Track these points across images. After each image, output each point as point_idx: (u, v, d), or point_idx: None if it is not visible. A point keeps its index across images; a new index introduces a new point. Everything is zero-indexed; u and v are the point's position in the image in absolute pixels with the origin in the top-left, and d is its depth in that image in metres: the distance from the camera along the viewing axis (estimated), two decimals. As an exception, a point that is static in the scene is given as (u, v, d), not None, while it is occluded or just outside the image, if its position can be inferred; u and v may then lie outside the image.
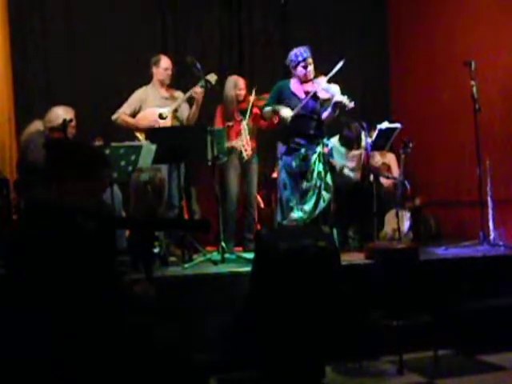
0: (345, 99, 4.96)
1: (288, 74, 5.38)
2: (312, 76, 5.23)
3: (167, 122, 5.50)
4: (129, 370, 2.24)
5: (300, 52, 5.17)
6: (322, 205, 5.16)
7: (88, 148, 2.65)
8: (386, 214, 5.91)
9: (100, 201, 2.84)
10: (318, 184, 5.16)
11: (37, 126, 5.11)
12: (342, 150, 6.03)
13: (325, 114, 5.18)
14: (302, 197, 5.16)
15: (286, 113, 5.10)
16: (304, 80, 5.23)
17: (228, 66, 6.96)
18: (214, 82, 5.49)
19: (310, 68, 5.19)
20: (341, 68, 5.09)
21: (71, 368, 2.16)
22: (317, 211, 5.15)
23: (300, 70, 5.19)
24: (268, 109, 5.30)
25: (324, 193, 5.17)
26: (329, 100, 5.10)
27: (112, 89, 6.30)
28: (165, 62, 5.68)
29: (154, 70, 5.68)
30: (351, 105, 4.96)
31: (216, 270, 4.60)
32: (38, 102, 6.20)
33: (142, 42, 6.60)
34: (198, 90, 5.49)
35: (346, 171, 6.02)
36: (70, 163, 2.38)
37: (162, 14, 6.95)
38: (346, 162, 6.04)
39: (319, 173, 5.17)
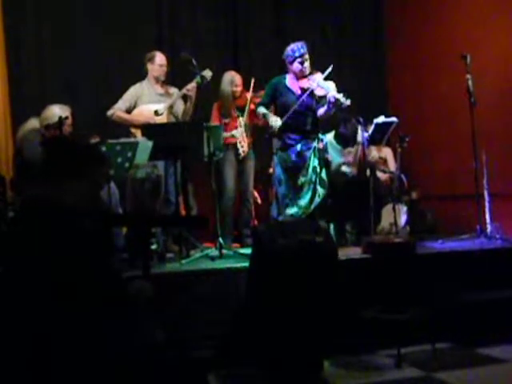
0: (341, 97, 4.94)
1: (285, 70, 5.37)
2: (308, 72, 5.22)
3: (163, 119, 5.50)
4: (127, 366, 2.24)
5: (297, 47, 5.15)
6: (317, 200, 5.16)
7: (85, 145, 2.64)
8: (382, 208, 5.92)
9: (97, 198, 2.83)
10: (314, 179, 5.16)
11: (33, 123, 5.11)
12: (338, 146, 6.03)
13: (320, 111, 5.17)
14: (298, 192, 5.17)
15: (275, 122, 5.10)
16: (300, 76, 5.22)
17: (224, 62, 6.94)
18: (209, 78, 5.48)
19: (307, 64, 5.18)
20: (331, 72, 5.11)
21: (69, 366, 2.16)
22: (312, 206, 5.15)
23: (296, 65, 5.18)
24: (260, 112, 5.31)
25: (319, 188, 5.17)
26: (324, 97, 5.09)
27: (107, 86, 6.30)
28: (160, 59, 5.67)
29: (149, 66, 5.67)
30: (347, 103, 4.93)
31: (213, 266, 4.60)
32: (33, 101, 6.18)
33: (136, 39, 6.58)
34: (190, 87, 5.49)
35: (344, 168, 6.02)
36: (67, 161, 2.37)
37: (157, 10, 6.94)
38: (342, 159, 6.03)
39: (314, 168, 5.17)
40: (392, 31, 7.67)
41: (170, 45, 6.78)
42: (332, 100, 4.97)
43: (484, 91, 5.61)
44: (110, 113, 5.53)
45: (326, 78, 5.15)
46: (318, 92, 5.15)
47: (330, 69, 5.10)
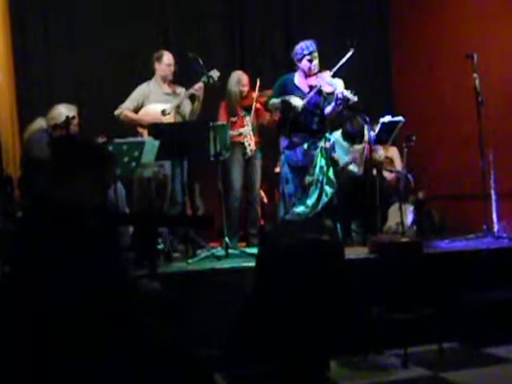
0: (348, 93, 4.96)
1: (291, 69, 5.37)
2: (316, 70, 5.22)
3: (170, 119, 5.50)
4: (134, 366, 2.25)
5: (306, 45, 5.16)
6: (324, 199, 5.17)
7: (93, 145, 2.65)
8: (389, 207, 5.91)
9: (104, 198, 2.84)
10: (321, 179, 5.17)
11: (40, 123, 5.12)
12: (345, 144, 6.03)
13: (328, 109, 5.17)
14: (305, 191, 5.17)
15: (297, 101, 5.10)
16: (308, 74, 5.23)
17: (230, 61, 6.95)
18: (216, 79, 5.47)
19: (315, 62, 5.19)
20: (346, 60, 5.10)
21: (74, 367, 2.16)
22: (319, 206, 5.15)
23: (305, 63, 5.19)
24: (276, 100, 5.27)
25: (326, 187, 5.18)
26: (332, 94, 5.10)
27: (114, 86, 6.31)
28: (167, 58, 5.67)
29: (157, 65, 5.67)
30: (355, 99, 4.95)
31: (220, 266, 4.60)
32: (40, 100, 6.20)
33: (143, 39, 6.58)
34: (198, 87, 5.49)
35: (351, 167, 6.01)
36: (74, 160, 2.38)
37: (164, 10, 6.94)
38: (350, 159, 6.01)
39: (321, 167, 5.18)
40: (398, 30, 7.65)
41: (177, 45, 6.77)
42: (340, 96, 4.98)
43: (490, 90, 5.59)
44: (117, 112, 5.54)
45: (334, 75, 5.14)
46: (326, 89, 5.16)
47: (350, 53, 5.09)
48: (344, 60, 5.12)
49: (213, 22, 7.10)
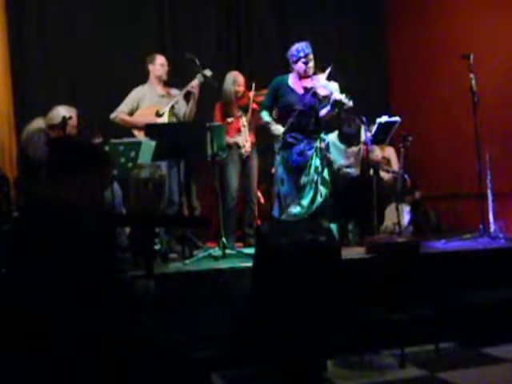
0: (344, 98, 4.95)
1: (287, 69, 5.37)
2: (311, 72, 5.22)
3: (164, 119, 5.50)
4: (130, 367, 2.25)
5: (302, 47, 5.16)
6: (319, 200, 5.17)
7: (90, 146, 2.65)
8: (386, 207, 5.92)
9: (101, 198, 2.84)
10: (315, 179, 5.16)
11: (38, 123, 5.12)
12: (341, 146, 6.03)
13: (323, 112, 5.17)
14: (300, 192, 5.17)
15: (277, 130, 5.14)
16: (303, 76, 5.23)
17: (226, 62, 6.95)
18: (209, 78, 5.50)
19: (311, 64, 5.19)
20: (330, 72, 5.12)
21: (70, 367, 2.16)
22: (314, 206, 5.15)
23: (300, 65, 5.19)
24: (263, 117, 5.33)
25: (321, 188, 5.18)
26: (327, 97, 5.10)
27: (110, 87, 6.31)
28: (160, 59, 5.72)
29: (151, 67, 5.70)
30: (350, 103, 4.94)
31: (217, 266, 4.60)
32: (37, 101, 6.20)
33: (139, 41, 6.59)
34: (194, 84, 5.51)
35: (345, 170, 6.01)
36: (72, 161, 2.38)
37: (160, 11, 6.94)
38: (344, 161, 6.00)
39: (316, 168, 5.17)
40: (395, 30, 7.66)
41: (173, 46, 6.78)
42: (335, 101, 4.98)
43: (486, 90, 5.60)
44: (113, 116, 5.55)
45: (327, 79, 5.15)
46: (321, 92, 5.16)
47: (329, 69, 5.11)
48: (327, 73, 5.13)
49: (209, 23, 7.10)
